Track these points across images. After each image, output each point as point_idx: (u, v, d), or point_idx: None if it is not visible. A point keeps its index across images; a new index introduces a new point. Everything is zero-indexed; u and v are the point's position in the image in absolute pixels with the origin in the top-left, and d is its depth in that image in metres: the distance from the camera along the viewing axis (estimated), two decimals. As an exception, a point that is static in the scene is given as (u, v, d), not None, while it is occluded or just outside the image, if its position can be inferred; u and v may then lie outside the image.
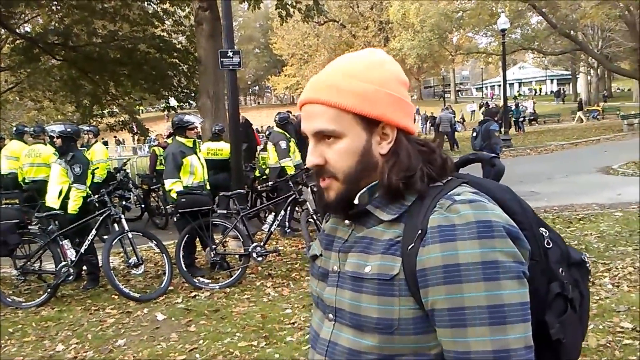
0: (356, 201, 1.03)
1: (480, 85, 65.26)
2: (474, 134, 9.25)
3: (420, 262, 0.91)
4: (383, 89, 1.00)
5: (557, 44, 33.00)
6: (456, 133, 21.78)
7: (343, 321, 1.01)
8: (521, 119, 28.76)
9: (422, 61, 42.85)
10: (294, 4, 14.09)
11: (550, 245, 1.01)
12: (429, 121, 31.61)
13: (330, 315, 1.04)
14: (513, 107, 28.51)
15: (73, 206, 5.91)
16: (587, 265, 1.08)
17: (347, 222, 1.07)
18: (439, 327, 0.91)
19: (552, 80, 61.36)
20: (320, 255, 1.13)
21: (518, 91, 56.91)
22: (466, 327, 0.87)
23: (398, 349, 0.94)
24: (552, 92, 55.79)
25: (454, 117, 22.24)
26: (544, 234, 1.01)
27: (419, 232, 0.93)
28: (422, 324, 0.93)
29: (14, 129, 10.03)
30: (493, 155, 1.14)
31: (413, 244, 0.93)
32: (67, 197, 5.96)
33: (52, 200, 6.00)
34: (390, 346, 0.94)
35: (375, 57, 1.04)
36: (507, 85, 22.24)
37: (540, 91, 59.86)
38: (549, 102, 47.34)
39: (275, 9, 14.67)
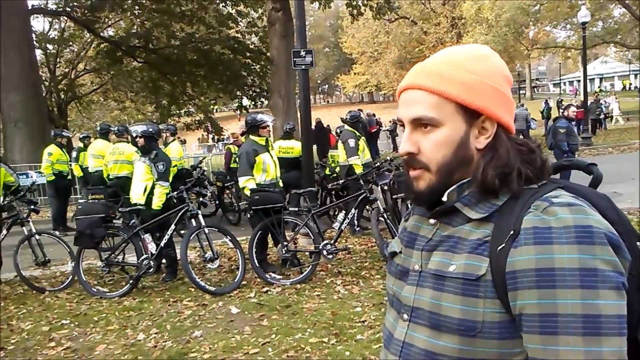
0: (444, 198, 1.00)
1: (558, 81, 62.46)
2: (546, 131, 8.95)
3: (510, 264, 0.88)
4: (487, 81, 0.98)
5: (643, 37, 31.13)
6: (531, 131, 20.96)
7: (419, 321, 0.98)
8: (602, 116, 27.31)
9: (497, 57, 41.46)
10: (365, 2, 14.09)
11: None
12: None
13: (405, 315, 1.02)
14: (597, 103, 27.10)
15: (157, 202, 6.16)
16: None
17: (431, 220, 1.04)
18: (526, 332, 0.87)
19: (635, 75, 57.75)
20: (400, 252, 1.10)
21: (599, 87, 54.02)
22: (557, 335, 0.83)
23: (479, 353, 0.91)
24: (636, 87, 52.56)
25: (529, 114, 21.43)
26: None
27: (511, 232, 0.89)
28: (508, 329, 0.89)
29: (99, 127, 10.58)
30: (590, 162, 1.09)
31: (503, 245, 0.89)
32: (151, 193, 6.22)
33: (137, 196, 6.26)
34: (470, 349, 0.91)
35: (480, 50, 1.03)
36: (588, 81, 21.06)
37: (630, 86, 56.34)
38: (633, 98, 44.63)
39: (346, 8, 14.69)
